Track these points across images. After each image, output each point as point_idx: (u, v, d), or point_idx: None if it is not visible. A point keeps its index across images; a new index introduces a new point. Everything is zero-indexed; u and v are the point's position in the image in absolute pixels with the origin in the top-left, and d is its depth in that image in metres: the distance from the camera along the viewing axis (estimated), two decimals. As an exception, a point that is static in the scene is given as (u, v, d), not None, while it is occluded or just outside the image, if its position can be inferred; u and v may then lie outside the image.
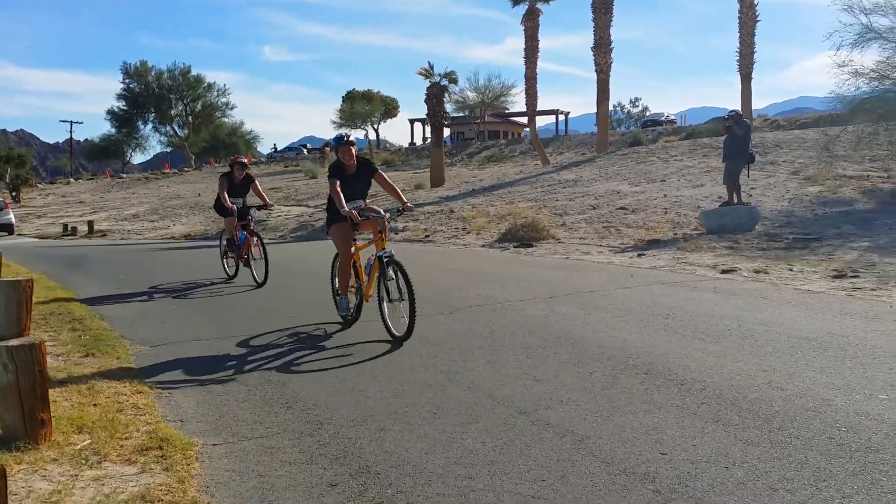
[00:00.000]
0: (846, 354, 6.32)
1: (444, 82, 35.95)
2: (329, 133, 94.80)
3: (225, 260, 12.81)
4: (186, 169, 69.65)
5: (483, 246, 17.29)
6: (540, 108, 43.87)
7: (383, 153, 62.80)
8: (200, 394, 6.03)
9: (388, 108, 77.22)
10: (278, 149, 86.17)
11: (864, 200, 17.30)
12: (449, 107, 44.95)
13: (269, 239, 22.91)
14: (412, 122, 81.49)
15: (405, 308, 7.21)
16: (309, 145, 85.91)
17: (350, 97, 75.95)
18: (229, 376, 6.49)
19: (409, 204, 7.83)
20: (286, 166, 64.08)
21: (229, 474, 4.34)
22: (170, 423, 5.27)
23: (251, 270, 11.87)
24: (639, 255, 13.75)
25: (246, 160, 12.59)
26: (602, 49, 36.01)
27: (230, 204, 11.91)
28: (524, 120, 60.50)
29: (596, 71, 36.43)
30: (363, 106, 67.09)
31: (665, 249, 14.14)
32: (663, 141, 38.27)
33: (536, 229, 17.24)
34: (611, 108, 46.44)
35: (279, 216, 28.46)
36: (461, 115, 66.95)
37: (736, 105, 38.75)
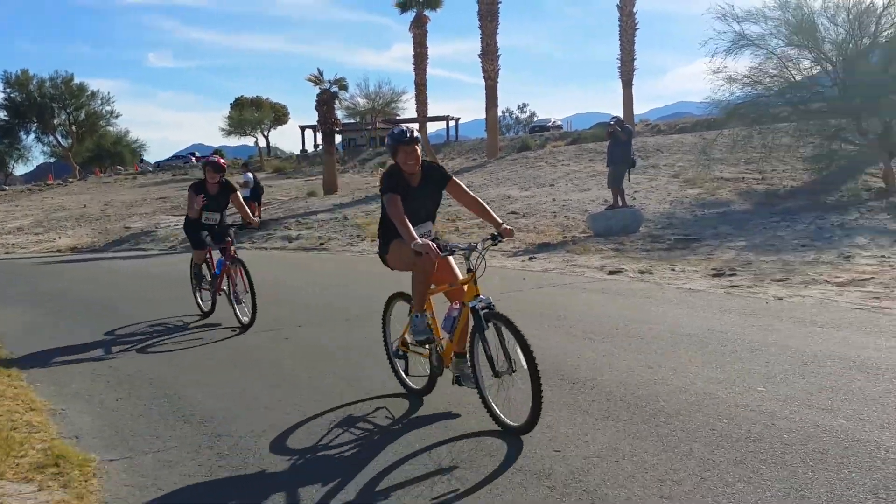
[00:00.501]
0: (726, 349, 6.64)
1: (335, 89, 35.80)
2: (218, 141, 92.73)
3: (198, 293, 9.87)
4: (71, 180, 66.70)
5: (378, 253, 17.25)
6: (430, 114, 44.26)
7: (274, 161, 61.81)
8: (95, 409, 5.89)
9: (278, 115, 76.12)
10: (155, 162, 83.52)
11: (740, 201, 18.19)
12: (340, 113, 44.72)
13: (160, 250, 22.24)
14: (303, 128, 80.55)
15: (520, 382, 4.78)
16: (197, 153, 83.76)
17: (239, 104, 74.51)
18: (124, 391, 6.35)
19: (507, 226, 5.18)
20: (174, 175, 62.32)
21: (128, 489, 4.26)
22: (65, 439, 5.13)
23: (233, 308, 9.02)
24: (530, 259, 14.05)
25: (223, 161, 9.47)
26: (489, 56, 36.65)
27: (196, 213, 9.31)
28: (415, 126, 60.94)
29: (484, 77, 37.05)
30: (252, 113, 65.97)
31: (555, 252, 14.49)
32: (551, 146, 39.17)
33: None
34: (499, 113, 47.34)
35: (169, 226, 27.62)
36: (352, 121, 66.71)
37: (619, 110, 40.14)
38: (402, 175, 5.21)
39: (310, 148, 76.59)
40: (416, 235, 4.90)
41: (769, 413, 4.94)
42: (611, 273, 11.60)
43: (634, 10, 40.54)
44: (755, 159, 21.35)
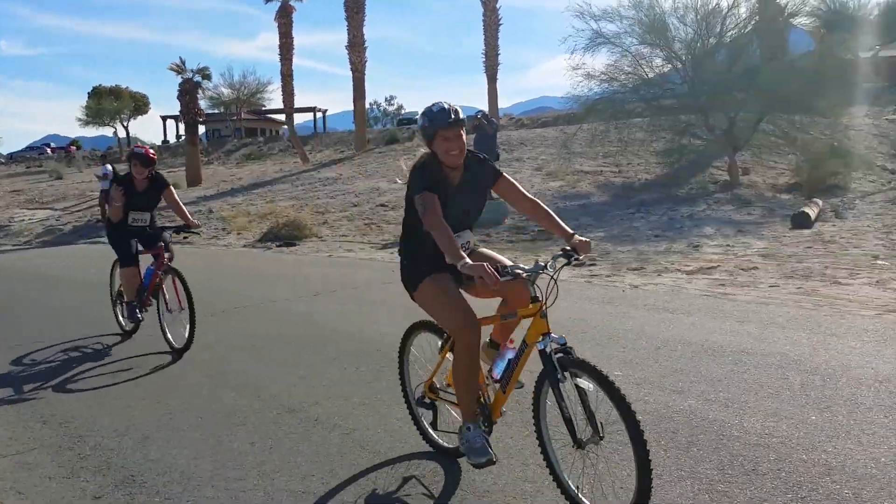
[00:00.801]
0: (586, 336, 6.95)
1: (198, 78, 34.93)
2: (75, 131, 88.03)
3: (119, 308, 8.22)
4: None
5: (245, 246, 16.98)
6: (297, 105, 43.60)
7: (133, 151, 59.29)
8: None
9: (139, 105, 73.05)
10: (7, 153, 78.60)
11: (598, 194, 18.95)
12: (203, 103, 43.57)
13: (13, 246, 21.01)
14: (165, 119, 77.63)
15: (611, 452, 3.92)
16: (53, 144, 79.37)
17: (97, 93, 70.97)
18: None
19: (581, 237, 3.81)
20: (28, 167, 58.77)
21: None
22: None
23: (163, 329, 7.40)
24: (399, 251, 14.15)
25: (153, 152, 7.73)
26: (356, 48, 36.52)
27: (120, 214, 7.59)
28: (282, 117, 59.79)
29: (351, 69, 36.87)
30: (111, 102, 63.09)
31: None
32: (419, 139, 39.41)
33: (298, 228, 17.22)
34: (367, 105, 47.17)
35: (24, 220, 26.09)
36: (216, 111, 64.91)
37: (484, 104, 40.80)
38: (441, 169, 3.94)
39: (172, 139, 73.97)
40: (463, 254, 3.61)
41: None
42: (478, 264, 11.84)
43: (498, 5, 41.23)
44: (612, 153, 22.25)
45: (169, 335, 7.27)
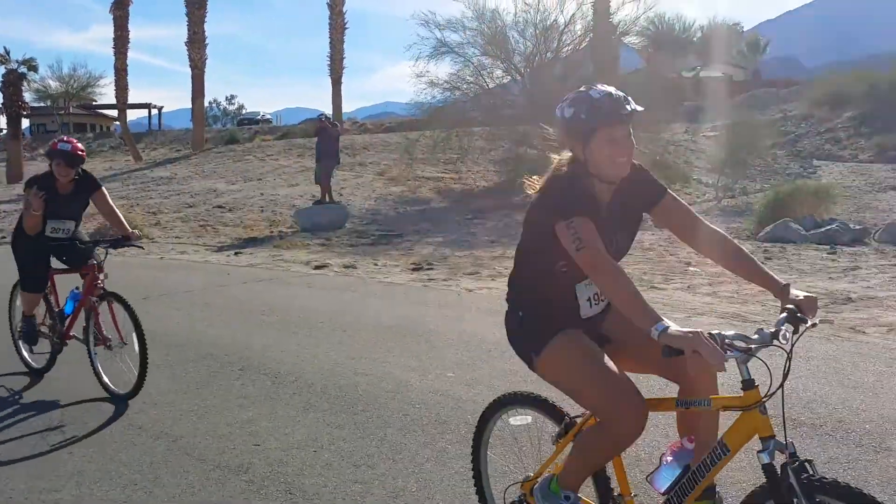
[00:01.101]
0: (422, 339, 7.07)
1: (23, 69, 33.12)
2: None
3: (23, 342, 6.29)
4: None
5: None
6: (131, 100, 41.68)
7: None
8: None
9: (-50, 93, 67.57)
10: None
11: (439, 199, 19.29)
12: (28, 96, 41.06)
13: None
14: (-19, 109, 72.25)
15: None
16: None
17: None
18: None
19: (803, 293, 2.48)
20: None
21: None
22: None
23: (95, 369, 5.66)
24: (236, 254, 13.85)
25: (81, 147, 5.88)
26: (197, 44, 35.42)
27: (36, 224, 5.86)
28: (114, 113, 56.97)
29: (191, 66, 35.70)
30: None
31: (262, 247, 14.42)
32: (260, 140, 38.62)
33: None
34: (206, 104, 45.85)
35: None
36: (42, 105, 61.00)
37: (328, 107, 40.53)
38: (593, 185, 2.65)
39: (-10, 131, 68.78)
40: (659, 314, 2.30)
41: (456, 397, 5.36)
42: (317, 268, 11.79)
43: (344, 9, 41.08)
44: (453, 160, 22.69)
45: (106, 378, 5.60)
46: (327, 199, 17.43)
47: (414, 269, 11.41)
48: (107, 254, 5.90)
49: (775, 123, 34.37)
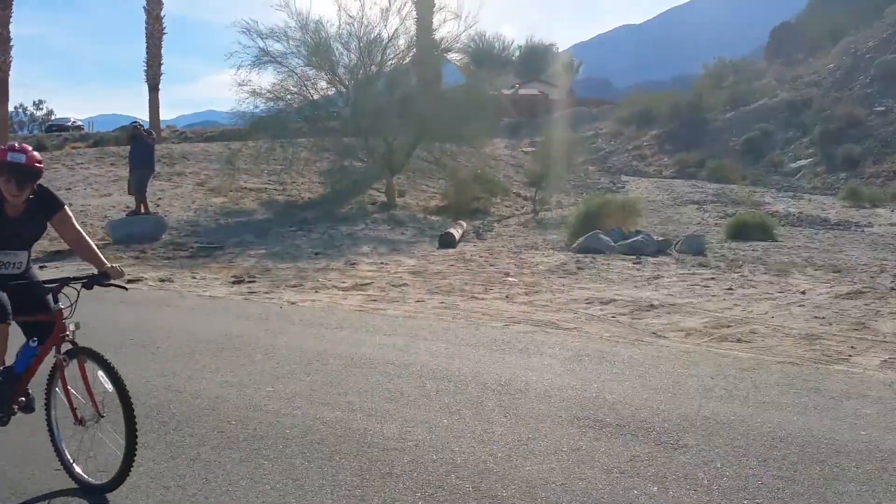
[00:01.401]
0: (241, 353, 6.90)
1: None
2: None
3: None
4: None
5: None
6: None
7: None
8: None
9: None
10: None
11: (262, 211, 18.90)
12: None
13: None
14: None
15: None
16: None
17: None
18: None
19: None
20: None
21: None
22: None
23: (61, 453, 4.36)
24: (40, 268, 12.94)
25: (38, 159, 4.37)
26: (1, 46, 33.11)
27: None
28: None
29: (-7, 68, 33.21)
30: None
31: (69, 261, 13.55)
32: (70, 147, 36.38)
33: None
34: (11, 109, 42.81)
35: None
36: None
37: (145, 114, 38.86)
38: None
39: None
40: None
41: (275, 411, 5.28)
42: (129, 282, 11.22)
43: (162, 14, 39.59)
44: (277, 171, 22.32)
45: (77, 469, 4.25)
46: (142, 209, 16.64)
47: (235, 282, 11.11)
48: (78, 295, 4.46)
49: (588, 140, 36.39)
